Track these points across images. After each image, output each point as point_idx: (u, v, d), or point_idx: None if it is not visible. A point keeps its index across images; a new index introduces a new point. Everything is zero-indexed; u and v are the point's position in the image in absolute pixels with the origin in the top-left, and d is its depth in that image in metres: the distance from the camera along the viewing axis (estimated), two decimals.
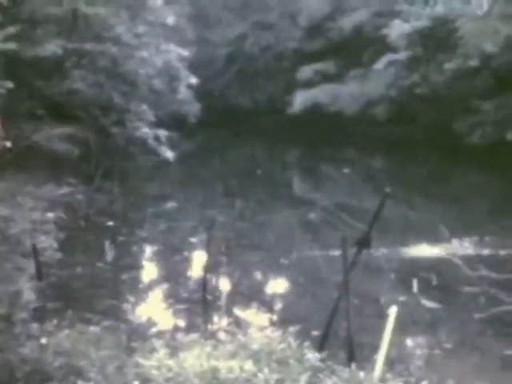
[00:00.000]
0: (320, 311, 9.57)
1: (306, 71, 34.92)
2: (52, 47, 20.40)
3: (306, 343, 6.96)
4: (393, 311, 6.97)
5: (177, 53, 25.20)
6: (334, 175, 26.04)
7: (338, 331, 8.50)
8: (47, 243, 13.05)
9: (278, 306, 11.15)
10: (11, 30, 17.81)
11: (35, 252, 11.06)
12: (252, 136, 33.11)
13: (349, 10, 34.31)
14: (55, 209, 16.13)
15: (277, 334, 7.20)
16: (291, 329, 7.27)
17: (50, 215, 15.47)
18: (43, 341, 7.50)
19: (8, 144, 13.54)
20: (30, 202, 16.32)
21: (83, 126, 22.10)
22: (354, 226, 13.73)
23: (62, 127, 21.02)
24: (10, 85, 17.73)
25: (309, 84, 33.79)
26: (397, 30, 29.32)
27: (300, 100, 33.02)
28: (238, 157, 29.41)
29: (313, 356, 6.74)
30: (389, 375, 6.66)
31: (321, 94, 32.93)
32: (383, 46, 29.83)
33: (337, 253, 11.47)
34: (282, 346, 6.84)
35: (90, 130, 22.23)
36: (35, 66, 21.25)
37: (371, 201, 15.66)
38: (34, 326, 8.52)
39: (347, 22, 33.74)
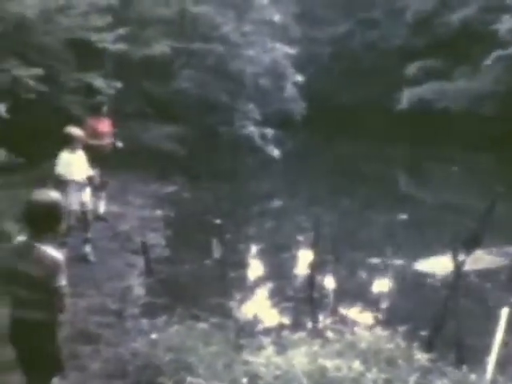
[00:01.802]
0: (427, 311, 9.41)
1: (412, 68, 34.45)
2: (160, 47, 20.71)
3: (415, 343, 6.86)
4: (505, 312, 6.80)
5: (283, 51, 25.22)
6: (441, 173, 25.57)
7: (446, 332, 8.34)
8: (156, 240, 13.26)
9: (385, 305, 11.03)
10: (121, 31, 18.18)
11: (145, 249, 11.25)
12: (357, 134, 32.85)
13: (456, 5, 33.60)
14: (163, 207, 16.39)
15: (384, 333, 7.12)
16: (399, 328, 7.16)
17: (159, 213, 15.73)
18: (153, 336, 7.62)
19: (118, 143, 13.80)
20: (139, 199, 16.65)
21: (190, 125, 22.37)
22: (462, 224, 13.53)
23: (169, 126, 21.35)
24: (119, 85, 18.11)
25: (415, 81, 33.30)
26: (506, 25, 28.54)
27: (406, 97, 32.59)
28: (343, 155, 29.18)
29: (422, 356, 6.64)
30: (501, 378, 6.49)
31: (427, 91, 32.38)
32: (492, 41, 29.08)
33: (444, 252, 11.29)
34: (391, 345, 6.77)
35: (197, 129, 22.49)
36: (144, 67, 21.62)
37: (479, 199, 15.32)
38: (145, 321, 8.68)
39: (454, 18, 33.05)
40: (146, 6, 22.00)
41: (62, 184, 10.60)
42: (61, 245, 10.00)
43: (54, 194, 5.12)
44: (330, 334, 7.45)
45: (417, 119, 32.61)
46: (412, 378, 6.04)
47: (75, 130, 11.05)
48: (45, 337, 5.14)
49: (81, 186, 10.87)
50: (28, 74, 14.76)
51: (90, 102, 16.01)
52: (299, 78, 26.23)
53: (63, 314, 5.26)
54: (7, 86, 14.39)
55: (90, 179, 11.11)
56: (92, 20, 17.43)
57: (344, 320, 9.69)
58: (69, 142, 10.84)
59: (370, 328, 7.83)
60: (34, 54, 16.21)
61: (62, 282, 5.01)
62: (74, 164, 10.73)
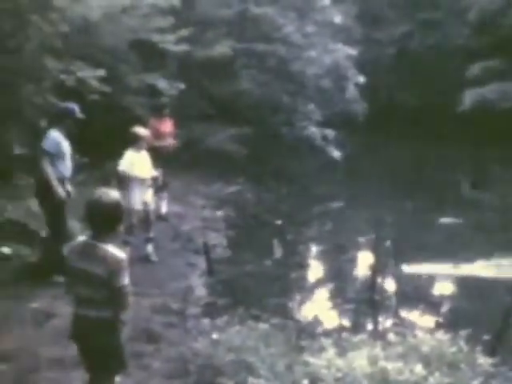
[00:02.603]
0: (490, 315, 9.28)
1: (474, 69, 33.98)
2: (222, 48, 20.81)
3: (478, 348, 6.75)
4: None
5: (344, 52, 25.10)
6: (505, 175, 25.14)
7: (509, 336, 8.21)
8: (217, 240, 13.33)
9: (446, 308, 10.89)
10: (183, 32, 18.32)
11: (206, 249, 11.31)
12: (419, 135, 32.53)
13: None
14: (224, 207, 16.45)
15: (446, 336, 7.02)
16: (461, 332, 7.05)
17: (220, 213, 15.79)
18: (214, 336, 7.62)
19: (180, 144, 13.91)
20: (201, 200, 16.74)
21: (252, 125, 22.42)
22: None
23: (231, 127, 21.42)
24: (181, 86, 18.25)
25: (478, 81, 32.83)
26: None
27: (469, 98, 32.14)
28: (405, 156, 28.95)
29: (485, 361, 6.54)
30: None
31: (490, 91, 31.89)
32: None
33: (508, 255, 11.14)
34: (453, 349, 6.66)
35: (258, 129, 22.52)
36: (205, 67, 21.73)
37: None
38: (206, 321, 8.69)
39: None
40: (207, 7, 22.13)
41: (124, 182, 10.81)
42: (124, 244, 10.15)
43: (115, 194, 5.17)
44: (391, 337, 7.38)
45: (480, 120, 32.13)
46: (475, 383, 5.95)
47: (141, 130, 11.22)
48: (108, 335, 5.19)
49: (144, 186, 10.96)
50: (92, 75, 14.97)
51: (152, 103, 16.18)
52: (360, 78, 26.05)
53: (126, 313, 5.30)
54: (72, 87, 14.61)
55: (153, 179, 11.21)
56: (155, 21, 17.62)
57: (405, 322, 9.62)
58: (134, 142, 10.97)
59: (432, 331, 7.74)
60: (98, 55, 16.42)
61: (125, 280, 5.06)
62: (137, 163, 10.84)
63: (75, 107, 9.73)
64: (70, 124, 9.70)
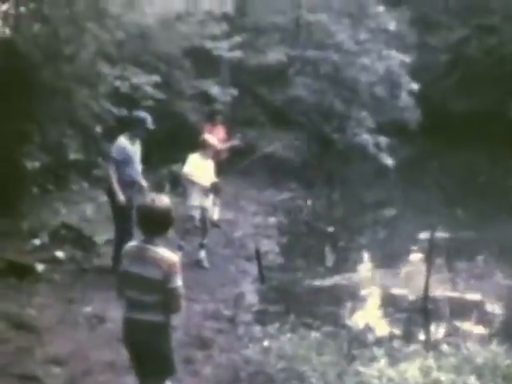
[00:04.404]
0: None
1: None
2: (275, 55, 20.83)
3: None
4: None
5: (398, 59, 24.89)
6: None
7: None
8: (269, 247, 13.31)
9: (501, 319, 10.69)
10: (237, 39, 18.41)
11: (258, 256, 11.30)
12: (472, 142, 32.14)
13: None
14: (276, 213, 16.43)
15: (500, 348, 6.93)
16: None
17: (272, 220, 15.77)
18: (266, 343, 7.63)
19: (234, 150, 13.96)
20: (253, 206, 16.73)
21: (305, 132, 22.38)
22: None
23: (283, 134, 21.42)
24: (235, 92, 18.32)
25: None
26: None
27: None
28: (458, 163, 28.57)
29: None
30: None
31: None
32: None
33: None
34: (508, 361, 6.57)
35: (310, 136, 22.48)
36: (258, 74, 21.78)
37: None
38: (257, 328, 8.70)
39: None
40: (261, 13, 22.18)
41: (185, 184, 11.16)
42: (178, 249, 10.23)
43: (166, 199, 5.26)
44: (444, 348, 7.30)
45: None
46: None
47: (210, 138, 11.54)
48: (159, 338, 5.23)
49: (203, 191, 11.08)
50: (146, 82, 15.12)
51: (206, 109, 16.27)
52: (414, 85, 25.79)
53: (178, 315, 5.32)
54: (127, 93, 14.79)
55: (213, 186, 11.34)
56: (209, 28, 17.73)
57: (459, 333, 9.48)
58: (202, 148, 11.19)
59: (486, 342, 7.64)
60: (152, 61, 16.58)
61: (179, 282, 5.11)
62: (201, 168, 10.99)
63: (147, 117, 10.11)
64: (140, 132, 10.11)
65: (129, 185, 9.95)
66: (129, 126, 10.23)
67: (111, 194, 9.94)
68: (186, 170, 11.11)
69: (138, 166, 10.16)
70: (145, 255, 5.13)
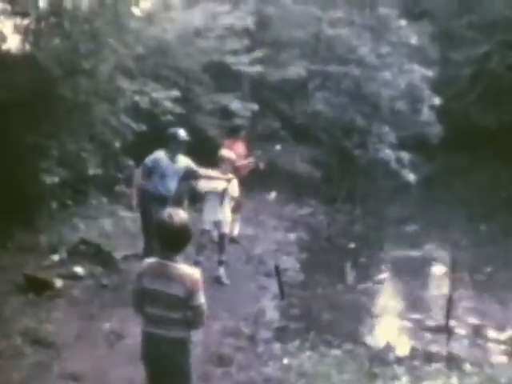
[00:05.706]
0: None
1: None
2: (296, 69, 20.78)
3: None
4: None
5: (420, 73, 24.76)
6: None
7: None
8: (289, 264, 13.22)
9: None
10: (257, 53, 18.39)
11: (278, 272, 11.20)
12: (496, 157, 31.93)
13: None
14: (297, 229, 16.33)
15: None
16: None
17: (292, 235, 15.67)
18: (286, 361, 7.53)
19: (254, 164, 13.87)
20: (273, 221, 16.64)
21: (325, 147, 22.29)
22: None
23: (304, 149, 21.35)
24: (255, 107, 18.28)
25: None
26: None
27: None
28: (481, 179, 28.39)
29: None
30: None
31: None
32: None
33: None
34: None
35: (331, 151, 22.39)
36: (279, 88, 21.74)
37: None
38: (277, 345, 8.58)
39: None
40: (281, 28, 22.15)
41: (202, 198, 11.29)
42: (195, 264, 10.14)
43: (184, 214, 5.17)
44: (467, 367, 7.16)
45: None
46: None
47: (228, 153, 11.57)
48: (180, 354, 5.15)
49: (219, 202, 11.05)
50: (166, 96, 15.11)
51: (226, 124, 16.22)
52: (436, 100, 25.64)
53: (197, 332, 5.22)
54: (146, 108, 14.78)
55: (235, 201, 11.41)
56: (229, 43, 17.74)
57: (482, 352, 9.30)
58: (220, 163, 11.23)
59: (510, 362, 7.50)
60: (172, 76, 16.58)
61: (202, 299, 5.06)
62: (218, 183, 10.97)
63: (177, 131, 10.37)
64: (175, 146, 10.28)
65: (157, 198, 10.05)
66: (167, 140, 10.36)
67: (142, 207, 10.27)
68: (200, 185, 11.21)
69: (172, 184, 10.35)
70: (167, 272, 5.05)
